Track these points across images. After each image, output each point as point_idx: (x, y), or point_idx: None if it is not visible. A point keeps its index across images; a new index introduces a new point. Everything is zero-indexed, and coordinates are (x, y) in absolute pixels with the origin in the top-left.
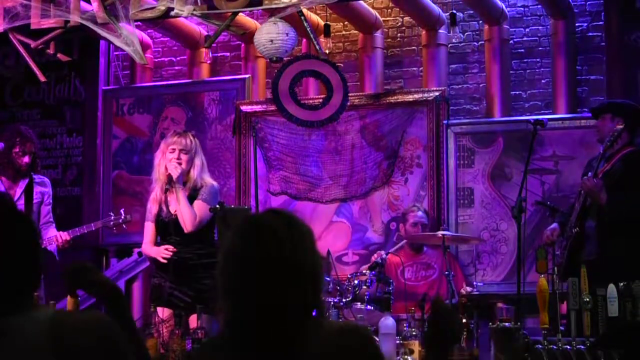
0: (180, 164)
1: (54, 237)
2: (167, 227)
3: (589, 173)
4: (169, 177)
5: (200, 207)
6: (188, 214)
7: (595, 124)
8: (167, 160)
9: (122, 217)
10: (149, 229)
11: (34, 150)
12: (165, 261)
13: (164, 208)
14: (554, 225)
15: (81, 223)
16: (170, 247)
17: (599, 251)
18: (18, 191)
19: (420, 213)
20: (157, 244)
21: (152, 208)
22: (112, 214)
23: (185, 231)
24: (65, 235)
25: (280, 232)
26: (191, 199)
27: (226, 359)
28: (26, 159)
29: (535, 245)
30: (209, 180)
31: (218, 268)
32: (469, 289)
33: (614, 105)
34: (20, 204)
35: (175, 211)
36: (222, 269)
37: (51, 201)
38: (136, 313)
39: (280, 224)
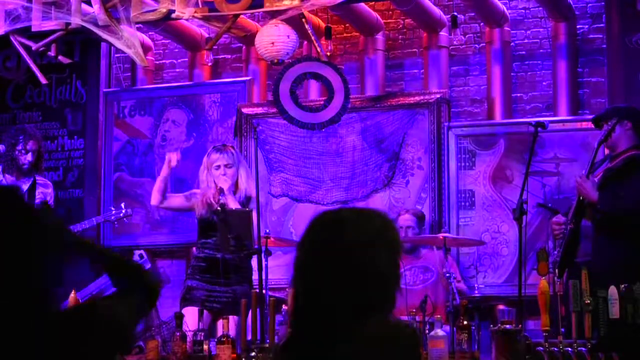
0: (227, 177)
1: None
2: (212, 226)
3: (583, 171)
4: (221, 189)
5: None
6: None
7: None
8: (214, 177)
9: (123, 212)
10: (174, 196)
11: (38, 148)
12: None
13: (212, 208)
14: (559, 215)
15: (57, 230)
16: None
17: (594, 252)
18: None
19: (407, 216)
20: (197, 242)
21: (198, 207)
22: (112, 208)
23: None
24: None
25: (346, 225)
26: (243, 206)
27: (289, 357)
28: (29, 157)
29: (536, 247)
30: (254, 192)
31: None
32: (461, 285)
33: (617, 110)
34: None
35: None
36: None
37: (53, 203)
38: None
39: (351, 216)
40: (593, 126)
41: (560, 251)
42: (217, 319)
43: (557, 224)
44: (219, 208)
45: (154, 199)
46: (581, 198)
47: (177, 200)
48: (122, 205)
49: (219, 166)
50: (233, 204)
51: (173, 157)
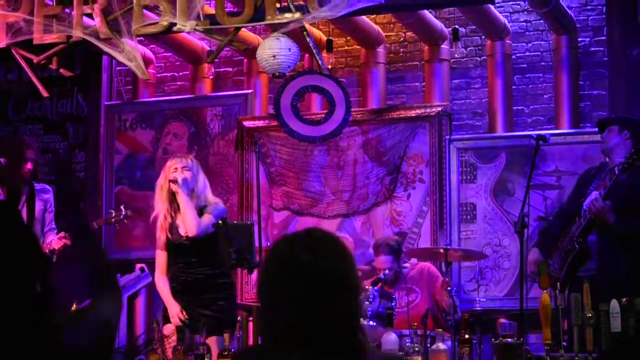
0: (182, 174)
1: (52, 241)
2: (177, 250)
3: (597, 194)
4: (175, 180)
5: (206, 218)
6: (192, 218)
7: (602, 137)
8: (166, 180)
9: (123, 213)
10: (161, 257)
11: (35, 157)
12: (179, 323)
13: (174, 232)
14: (533, 254)
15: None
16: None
17: (599, 266)
18: (21, 200)
19: (383, 258)
20: (168, 267)
21: (160, 236)
22: (112, 210)
23: (190, 235)
24: (65, 241)
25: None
26: (200, 215)
27: None
28: (29, 166)
29: (537, 261)
30: (214, 199)
31: (262, 281)
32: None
33: (622, 118)
34: (23, 213)
35: (186, 233)
36: (266, 282)
37: (54, 209)
38: (139, 329)
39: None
40: (597, 130)
41: (565, 267)
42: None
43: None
44: (220, 222)
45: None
46: (591, 218)
47: (161, 257)
48: (122, 207)
49: (176, 168)
50: (185, 199)
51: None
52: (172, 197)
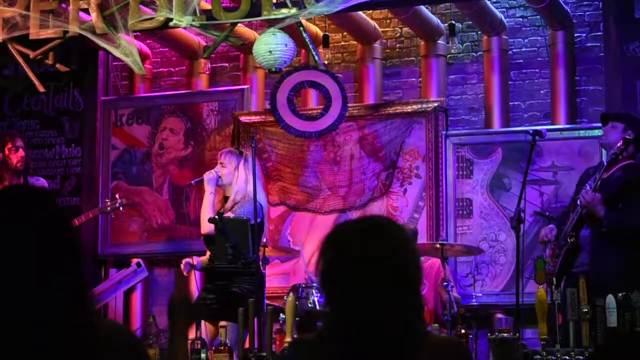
0: (217, 173)
1: None
2: (210, 239)
3: (587, 185)
4: (201, 180)
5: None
6: (202, 217)
7: (603, 129)
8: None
9: (118, 202)
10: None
11: (24, 146)
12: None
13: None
14: (552, 225)
15: (79, 233)
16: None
17: (591, 262)
18: None
19: None
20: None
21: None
22: (107, 200)
23: (201, 232)
24: None
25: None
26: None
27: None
28: (21, 153)
29: (534, 256)
30: (250, 196)
31: (325, 270)
32: (454, 293)
33: (629, 118)
34: None
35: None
36: (330, 271)
37: None
38: (135, 323)
39: (392, 226)
40: (602, 122)
41: (558, 262)
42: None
43: (547, 233)
44: (216, 216)
45: (206, 227)
46: (583, 212)
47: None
48: (117, 196)
49: (217, 163)
50: (207, 197)
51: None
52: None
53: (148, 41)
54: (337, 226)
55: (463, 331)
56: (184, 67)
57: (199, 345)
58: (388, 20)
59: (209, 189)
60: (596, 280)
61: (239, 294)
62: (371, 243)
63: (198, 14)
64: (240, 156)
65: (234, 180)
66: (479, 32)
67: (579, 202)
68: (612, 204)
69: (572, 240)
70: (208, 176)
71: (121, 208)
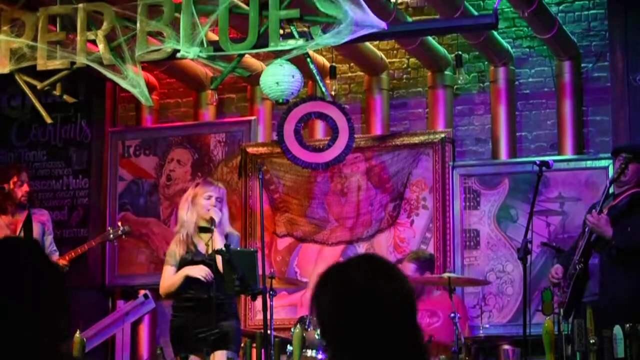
0: (218, 210)
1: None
2: (194, 264)
3: (593, 210)
4: (212, 220)
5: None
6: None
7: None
8: (201, 207)
9: (121, 229)
10: (169, 272)
11: (29, 179)
12: (211, 278)
13: (193, 249)
14: (557, 265)
15: (87, 265)
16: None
17: (601, 289)
18: (18, 225)
19: (406, 264)
20: (180, 285)
21: (176, 251)
22: (110, 228)
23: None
24: (62, 261)
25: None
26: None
27: None
28: (25, 188)
29: (541, 287)
30: (232, 229)
31: (331, 307)
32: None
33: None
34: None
35: (208, 252)
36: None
37: (52, 230)
38: (142, 355)
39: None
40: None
41: (569, 292)
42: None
43: (553, 275)
44: (223, 248)
45: (164, 290)
46: (591, 239)
47: (169, 272)
48: (119, 223)
49: (210, 196)
50: (219, 239)
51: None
52: (199, 221)
53: (155, 72)
54: (340, 264)
55: None
56: (191, 98)
57: None
58: (395, 51)
59: (220, 230)
60: (605, 308)
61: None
62: (387, 276)
63: (205, 45)
64: (224, 189)
65: (222, 215)
66: (486, 63)
67: (587, 224)
68: (620, 229)
69: (580, 266)
70: (218, 215)
71: (124, 236)
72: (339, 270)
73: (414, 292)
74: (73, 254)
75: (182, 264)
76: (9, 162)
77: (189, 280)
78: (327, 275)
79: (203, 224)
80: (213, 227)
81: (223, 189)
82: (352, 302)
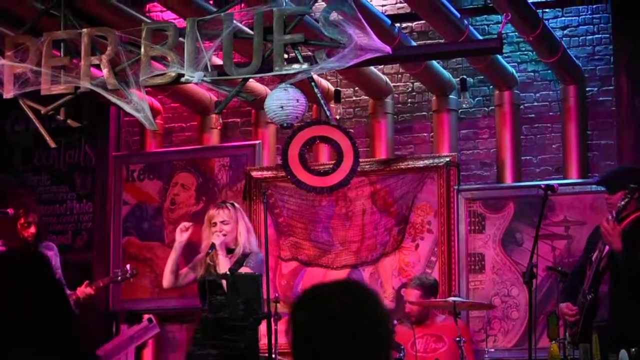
0: (224, 234)
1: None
2: (210, 287)
3: (609, 217)
4: (212, 245)
5: (244, 271)
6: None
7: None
8: (211, 233)
9: (129, 272)
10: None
11: (38, 220)
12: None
13: (213, 271)
14: (566, 303)
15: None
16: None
17: (610, 315)
18: None
19: (410, 290)
20: (203, 302)
21: (199, 270)
22: (118, 270)
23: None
24: (89, 290)
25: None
26: (240, 264)
27: None
28: (32, 230)
29: (546, 311)
30: (256, 248)
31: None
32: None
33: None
34: None
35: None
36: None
37: (59, 265)
38: None
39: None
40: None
41: (580, 321)
42: None
43: (569, 314)
44: (227, 272)
45: (167, 281)
46: (599, 268)
47: (185, 275)
48: (128, 266)
49: (215, 223)
50: (223, 262)
51: (183, 235)
52: (212, 245)
53: (159, 96)
54: (313, 288)
55: None
56: (196, 123)
57: None
58: (400, 75)
59: (222, 253)
60: (614, 333)
61: (242, 349)
62: (346, 301)
63: (209, 70)
64: (234, 208)
65: (237, 234)
66: (491, 87)
67: (594, 259)
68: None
69: (590, 296)
70: (219, 240)
71: (131, 279)
72: (316, 294)
73: (388, 320)
74: (79, 294)
75: (201, 284)
76: (21, 199)
77: (202, 301)
78: (304, 298)
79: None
80: (211, 251)
81: (227, 210)
82: (324, 328)
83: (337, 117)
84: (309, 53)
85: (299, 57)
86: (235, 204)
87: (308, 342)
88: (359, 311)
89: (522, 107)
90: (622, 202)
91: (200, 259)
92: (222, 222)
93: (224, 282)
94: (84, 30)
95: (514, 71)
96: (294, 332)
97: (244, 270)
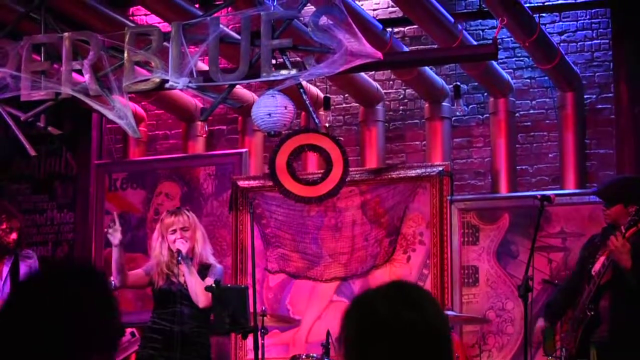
0: (186, 241)
1: None
2: (173, 297)
3: (617, 232)
4: (179, 252)
5: (209, 283)
6: (200, 292)
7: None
8: (169, 242)
9: (136, 338)
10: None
11: (20, 226)
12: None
13: (174, 280)
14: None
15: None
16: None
17: (611, 329)
18: (5, 269)
19: None
20: (155, 311)
21: (157, 279)
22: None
23: (200, 306)
24: None
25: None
26: (202, 275)
27: None
28: (13, 236)
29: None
30: (212, 258)
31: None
32: None
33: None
34: (7, 283)
35: (186, 283)
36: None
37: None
38: None
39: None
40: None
41: (578, 336)
42: None
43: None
44: (213, 285)
45: (116, 280)
46: (600, 283)
47: (138, 276)
48: (135, 330)
49: (174, 230)
50: (186, 271)
51: (116, 235)
52: (179, 253)
53: (143, 103)
54: (366, 294)
55: None
56: (180, 130)
57: None
58: (391, 82)
59: (188, 263)
60: (613, 349)
61: None
62: (419, 309)
63: (195, 75)
64: (191, 214)
65: (195, 243)
66: (485, 94)
67: (594, 273)
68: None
69: (591, 313)
70: (185, 248)
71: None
72: (364, 301)
73: (445, 323)
74: None
75: (162, 294)
76: (3, 205)
77: (158, 310)
78: (352, 307)
79: (173, 257)
80: (180, 258)
81: (186, 216)
82: (375, 336)
83: (327, 124)
84: (298, 59)
85: (287, 62)
86: (190, 211)
87: (362, 354)
88: (413, 316)
89: (517, 114)
90: (632, 220)
91: (156, 265)
92: (181, 228)
93: (193, 293)
94: (65, 34)
95: (509, 78)
96: (346, 343)
97: (208, 280)
